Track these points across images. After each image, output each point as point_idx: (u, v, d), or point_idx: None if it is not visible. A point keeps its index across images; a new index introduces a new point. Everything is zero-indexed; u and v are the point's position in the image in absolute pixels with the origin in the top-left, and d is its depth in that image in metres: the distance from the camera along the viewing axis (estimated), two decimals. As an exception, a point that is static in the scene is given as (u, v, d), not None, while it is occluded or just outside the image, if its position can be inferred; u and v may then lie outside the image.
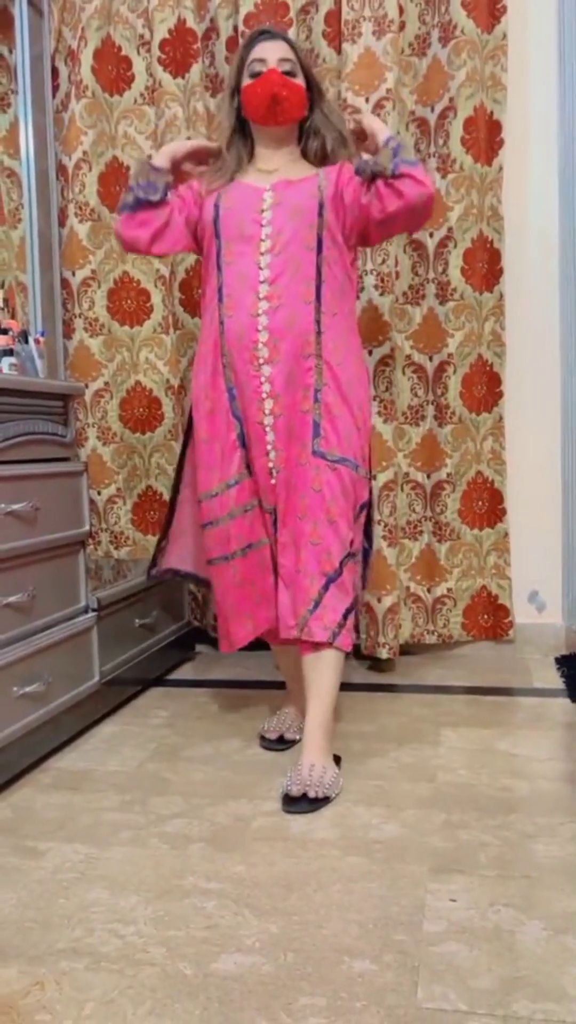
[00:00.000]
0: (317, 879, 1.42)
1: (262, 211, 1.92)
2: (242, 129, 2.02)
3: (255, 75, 1.93)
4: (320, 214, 1.90)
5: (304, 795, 1.71)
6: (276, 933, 1.27)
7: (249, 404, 1.91)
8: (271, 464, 1.91)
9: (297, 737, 2.04)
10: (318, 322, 1.89)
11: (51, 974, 1.19)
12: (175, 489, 2.16)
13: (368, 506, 1.97)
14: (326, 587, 1.84)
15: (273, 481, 1.92)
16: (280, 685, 2.25)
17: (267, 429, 1.90)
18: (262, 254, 1.90)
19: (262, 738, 2.08)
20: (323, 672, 1.86)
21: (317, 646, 1.84)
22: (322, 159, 2.01)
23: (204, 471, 1.97)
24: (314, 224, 1.90)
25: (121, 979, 1.17)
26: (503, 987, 1.13)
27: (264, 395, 1.89)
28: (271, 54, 1.93)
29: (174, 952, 1.23)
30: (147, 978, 1.17)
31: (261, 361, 1.89)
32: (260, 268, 1.90)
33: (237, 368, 1.91)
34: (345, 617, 1.85)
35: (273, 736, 2.06)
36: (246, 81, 1.95)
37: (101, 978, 1.18)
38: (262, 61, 1.93)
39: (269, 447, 1.91)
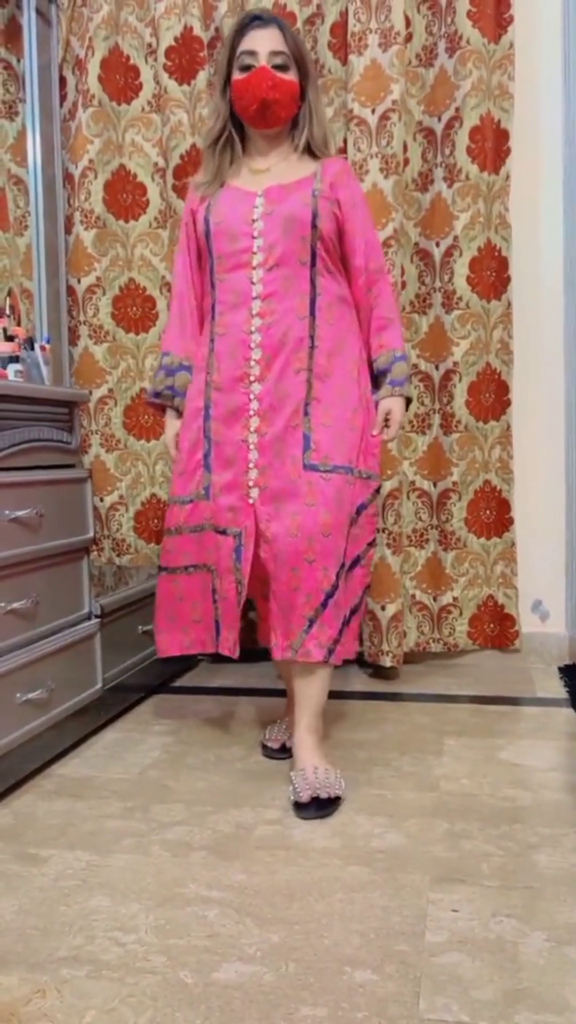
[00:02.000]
0: (319, 888, 1.42)
1: (253, 221, 1.87)
2: (234, 120, 1.94)
3: (245, 68, 1.86)
4: (314, 225, 1.85)
5: (315, 798, 1.69)
6: (277, 942, 1.27)
7: (231, 422, 1.88)
8: (250, 483, 1.86)
9: None
10: (312, 336, 1.86)
11: (52, 982, 1.19)
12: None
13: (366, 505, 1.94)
14: (324, 604, 1.80)
15: (252, 501, 1.86)
16: (281, 693, 2.25)
17: (250, 447, 1.86)
18: (254, 268, 1.87)
19: (264, 747, 2.07)
20: (313, 684, 1.84)
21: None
22: (312, 147, 1.95)
23: (176, 477, 1.98)
24: (307, 237, 1.86)
25: (122, 987, 1.17)
26: (505, 998, 1.13)
27: (251, 413, 1.86)
28: (262, 46, 1.85)
29: (175, 961, 1.23)
30: (148, 987, 1.17)
31: (252, 379, 1.86)
32: (253, 284, 1.87)
33: (223, 386, 1.88)
34: (341, 632, 1.83)
35: (275, 745, 2.05)
36: (236, 74, 1.88)
37: (102, 986, 1.17)
38: (252, 54, 1.85)
39: (250, 465, 1.86)
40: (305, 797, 1.70)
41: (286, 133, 1.96)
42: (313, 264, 1.87)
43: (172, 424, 2.03)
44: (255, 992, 1.15)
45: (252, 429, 1.86)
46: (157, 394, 2.03)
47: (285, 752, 2.03)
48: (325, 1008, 1.11)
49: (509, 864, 1.49)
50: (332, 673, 1.88)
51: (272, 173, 1.92)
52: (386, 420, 1.96)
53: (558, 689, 2.53)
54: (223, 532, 1.89)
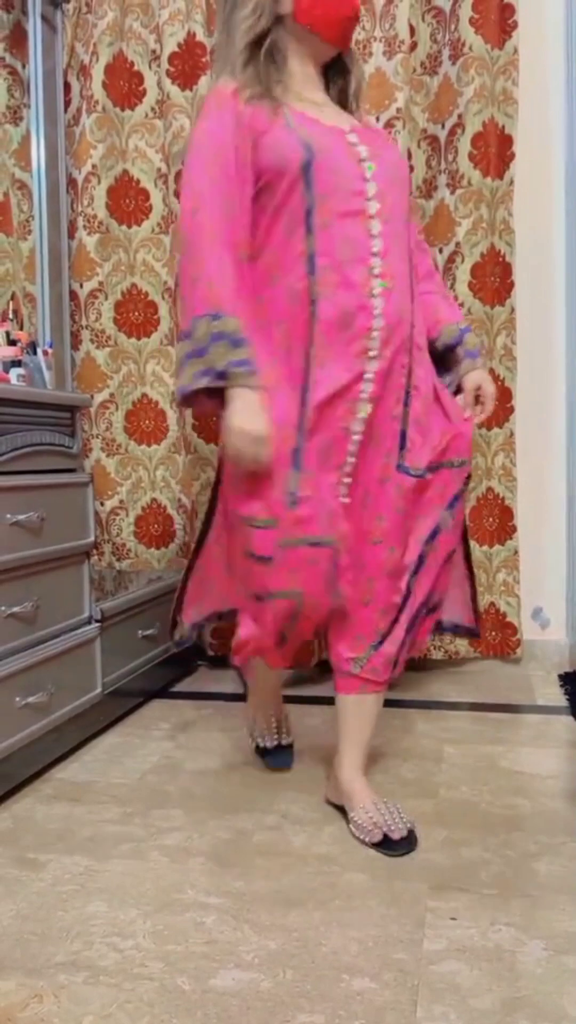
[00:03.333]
0: (317, 895, 1.42)
1: (361, 161, 1.53)
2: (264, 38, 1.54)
3: None
4: (410, 182, 1.61)
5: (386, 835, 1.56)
6: (275, 949, 1.26)
7: (334, 404, 1.53)
8: (345, 479, 1.56)
9: (291, 740, 1.98)
10: (412, 312, 1.60)
11: (50, 987, 1.18)
12: (206, 523, 1.75)
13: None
14: (396, 619, 1.64)
15: (346, 500, 1.56)
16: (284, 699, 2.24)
17: (351, 437, 1.54)
18: (371, 217, 1.52)
19: (261, 750, 1.98)
20: (370, 710, 1.69)
21: (365, 687, 1.66)
22: (352, 100, 1.67)
23: (277, 490, 1.53)
24: (407, 195, 1.60)
25: (119, 993, 1.17)
26: (503, 1007, 1.12)
27: (362, 396, 1.53)
28: None
29: (173, 967, 1.23)
30: (145, 993, 1.17)
31: (371, 354, 1.53)
32: (372, 237, 1.52)
33: (331, 360, 1.52)
34: (403, 645, 1.67)
35: (271, 744, 1.96)
36: None
37: (99, 992, 1.17)
38: None
39: (348, 458, 1.55)
40: (377, 837, 1.57)
41: (320, 73, 1.64)
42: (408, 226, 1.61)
43: (261, 404, 1.48)
44: (252, 999, 1.15)
45: (359, 415, 1.55)
46: (221, 374, 1.46)
47: (282, 750, 1.95)
48: (322, 1016, 1.11)
49: (508, 872, 1.49)
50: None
51: (329, 111, 1.58)
52: (476, 396, 1.71)
53: (558, 697, 2.53)
54: (318, 544, 1.54)
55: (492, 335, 2.67)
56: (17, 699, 1.83)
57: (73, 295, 2.84)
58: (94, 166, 2.78)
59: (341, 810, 1.72)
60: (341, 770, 1.72)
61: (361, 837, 1.61)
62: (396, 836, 1.56)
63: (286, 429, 1.52)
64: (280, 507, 1.51)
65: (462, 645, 2.76)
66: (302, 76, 1.60)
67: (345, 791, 1.70)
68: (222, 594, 1.78)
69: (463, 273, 2.63)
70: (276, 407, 1.51)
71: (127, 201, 2.85)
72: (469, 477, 1.69)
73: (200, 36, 2.70)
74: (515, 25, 2.57)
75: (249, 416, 1.46)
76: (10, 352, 2.15)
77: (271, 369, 1.52)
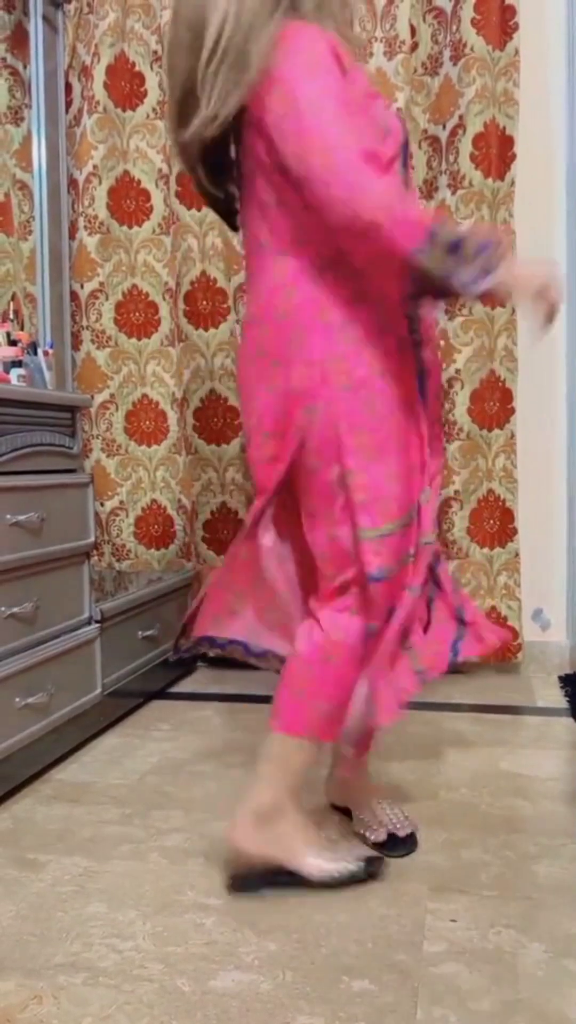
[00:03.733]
0: (317, 897, 1.41)
1: None
2: None
3: None
4: None
5: (392, 835, 1.56)
6: (275, 951, 1.26)
7: (436, 396, 1.46)
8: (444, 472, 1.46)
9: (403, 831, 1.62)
10: None
11: (49, 988, 1.18)
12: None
13: None
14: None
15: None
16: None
17: (443, 428, 1.47)
18: None
19: (370, 864, 1.48)
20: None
21: None
22: None
23: (401, 487, 1.39)
24: None
25: (119, 995, 1.17)
26: (503, 1009, 1.12)
27: (444, 385, 1.48)
28: None
29: (172, 968, 1.22)
30: (145, 994, 1.17)
31: (440, 341, 1.48)
32: None
33: (423, 342, 1.44)
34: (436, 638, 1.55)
35: (382, 838, 1.57)
36: None
37: (99, 993, 1.17)
38: None
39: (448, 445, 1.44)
40: (381, 837, 1.56)
41: None
42: None
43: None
44: (252, 1000, 1.15)
45: (444, 403, 1.46)
46: (485, 269, 1.27)
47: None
48: (322, 1018, 1.11)
49: (508, 874, 1.48)
50: None
51: None
52: None
53: (558, 698, 2.52)
54: (428, 543, 1.45)
55: (493, 336, 2.67)
56: (17, 699, 1.83)
57: (74, 296, 2.84)
58: (95, 167, 2.78)
59: (341, 811, 1.72)
60: (345, 771, 1.72)
61: (366, 835, 1.60)
62: (400, 836, 1.57)
63: (415, 413, 1.41)
64: (416, 500, 1.42)
65: (462, 646, 2.76)
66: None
67: (350, 791, 1.70)
68: (255, 625, 1.58)
69: (464, 274, 2.63)
70: (401, 390, 1.38)
71: (128, 202, 2.85)
72: None
73: (201, 37, 2.70)
74: (516, 26, 2.57)
75: (516, 263, 1.30)
76: (11, 352, 2.15)
77: (374, 351, 1.37)
